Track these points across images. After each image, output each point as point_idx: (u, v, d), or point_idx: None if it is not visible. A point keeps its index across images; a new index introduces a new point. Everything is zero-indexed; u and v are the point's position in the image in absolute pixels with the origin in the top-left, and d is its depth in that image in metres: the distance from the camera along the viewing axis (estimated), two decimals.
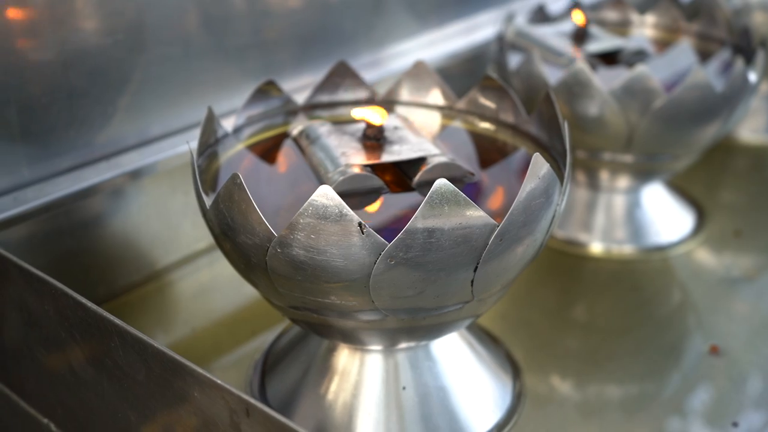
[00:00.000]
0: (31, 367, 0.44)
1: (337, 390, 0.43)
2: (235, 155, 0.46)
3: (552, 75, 0.58)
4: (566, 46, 0.66)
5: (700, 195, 0.69)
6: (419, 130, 0.46)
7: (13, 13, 0.47)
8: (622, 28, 0.77)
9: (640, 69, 0.55)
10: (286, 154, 0.46)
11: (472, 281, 0.35)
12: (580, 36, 0.68)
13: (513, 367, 0.48)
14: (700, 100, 0.55)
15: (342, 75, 0.51)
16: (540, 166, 0.35)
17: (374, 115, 0.44)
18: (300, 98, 0.51)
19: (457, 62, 0.75)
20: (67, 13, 0.49)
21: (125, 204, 0.53)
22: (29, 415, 0.45)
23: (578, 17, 0.69)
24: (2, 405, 0.47)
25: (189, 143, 0.43)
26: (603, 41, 0.67)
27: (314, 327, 0.41)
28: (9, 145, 0.48)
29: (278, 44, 0.63)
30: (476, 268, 0.35)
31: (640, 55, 0.65)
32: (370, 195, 0.41)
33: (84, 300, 0.37)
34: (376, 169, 0.42)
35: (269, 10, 0.62)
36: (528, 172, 0.35)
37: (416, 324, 0.39)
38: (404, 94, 0.52)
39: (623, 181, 0.62)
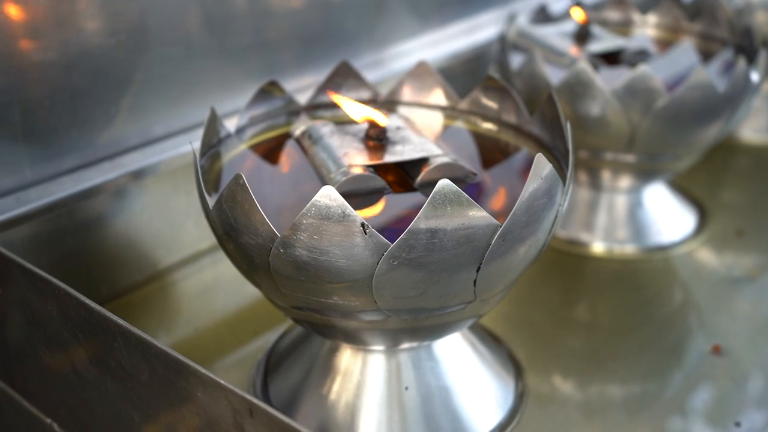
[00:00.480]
0: (34, 367, 0.44)
1: (339, 390, 0.43)
2: (237, 155, 0.46)
3: (554, 75, 0.58)
4: (568, 46, 0.66)
5: (702, 195, 0.69)
6: (421, 130, 0.46)
7: (16, 15, 0.47)
8: (623, 27, 0.77)
9: (642, 69, 0.55)
10: (289, 155, 0.46)
11: (474, 281, 0.36)
12: (582, 36, 0.68)
13: (515, 367, 0.48)
14: (702, 100, 0.55)
15: (344, 75, 0.51)
16: (542, 166, 0.35)
17: (355, 109, 0.44)
18: (302, 98, 0.51)
19: (459, 62, 0.75)
20: (69, 14, 0.49)
21: (128, 204, 0.53)
22: (32, 415, 0.45)
23: (578, 14, 0.69)
24: (5, 405, 0.47)
25: (192, 143, 0.43)
26: (605, 41, 0.67)
27: (317, 327, 0.41)
28: (12, 146, 0.48)
29: (280, 44, 0.63)
30: (479, 268, 0.35)
31: (642, 55, 0.65)
32: (373, 195, 0.41)
33: (87, 300, 0.37)
34: (379, 169, 0.42)
35: (271, 11, 0.62)
36: (530, 172, 0.35)
37: (419, 324, 0.39)
38: (406, 94, 0.52)
39: (625, 181, 0.62)
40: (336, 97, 0.47)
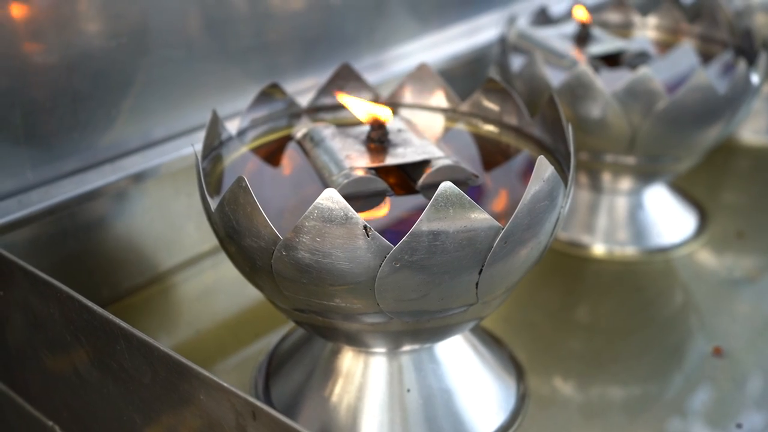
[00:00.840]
0: (36, 369, 0.44)
1: (341, 392, 0.43)
2: (239, 158, 0.46)
3: (555, 77, 0.59)
4: (568, 48, 0.66)
5: (702, 196, 0.69)
6: (423, 132, 0.46)
7: (17, 17, 0.47)
8: (624, 30, 0.77)
9: (643, 71, 0.55)
10: (291, 157, 0.46)
11: (476, 284, 0.36)
12: (582, 38, 0.68)
13: (516, 369, 0.48)
14: (703, 102, 0.55)
15: (345, 77, 0.51)
16: (544, 168, 0.35)
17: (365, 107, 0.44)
18: (303, 101, 0.51)
19: (460, 64, 0.75)
20: (70, 17, 0.49)
21: (129, 207, 0.53)
22: (34, 418, 0.45)
23: (580, 13, 0.69)
24: (7, 408, 0.47)
25: (193, 146, 0.43)
26: (605, 43, 0.67)
27: (318, 329, 0.41)
28: (13, 148, 0.48)
29: (281, 47, 0.63)
30: (481, 270, 0.35)
31: (642, 57, 0.65)
32: (375, 198, 0.41)
33: (89, 303, 0.37)
34: (381, 171, 0.42)
35: (272, 13, 0.62)
36: (532, 174, 0.35)
37: (421, 326, 0.39)
38: (407, 96, 0.52)
39: (626, 183, 0.63)
40: (342, 97, 0.46)
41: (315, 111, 0.51)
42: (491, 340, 0.50)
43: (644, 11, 0.77)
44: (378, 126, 0.44)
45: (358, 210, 0.34)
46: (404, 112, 0.51)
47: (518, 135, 0.48)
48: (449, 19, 0.79)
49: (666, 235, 0.63)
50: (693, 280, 0.60)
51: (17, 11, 0.47)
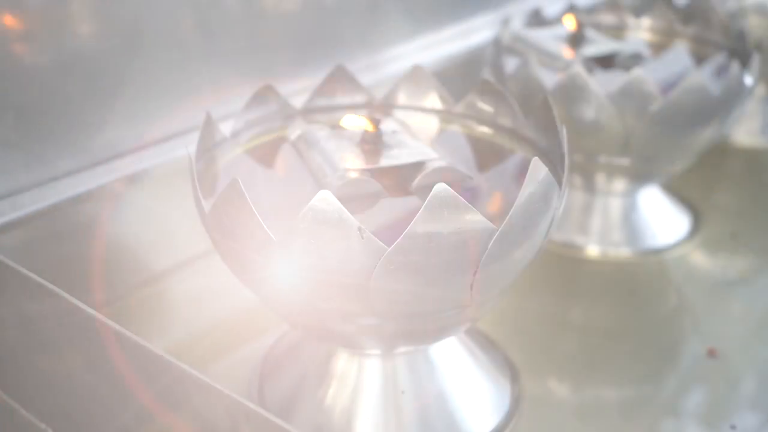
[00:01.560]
0: (29, 372, 0.44)
1: (335, 394, 0.43)
2: (233, 160, 0.46)
3: (548, 79, 0.59)
4: (562, 50, 0.66)
5: (695, 197, 0.69)
6: (417, 134, 0.46)
7: (10, 19, 0.47)
8: (617, 31, 0.77)
9: (637, 72, 0.55)
10: (285, 159, 0.46)
11: (471, 285, 0.36)
12: (576, 40, 0.68)
13: (511, 371, 0.48)
14: (696, 103, 0.55)
15: (339, 79, 0.51)
16: (539, 170, 0.35)
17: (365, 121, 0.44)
18: (297, 102, 0.51)
19: (454, 65, 0.75)
20: (63, 18, 0.49)
21: (123, 208, 0.53)
22: (28, 421, 0.45)
23: (570, 23, 0.70)
24: (0, 411, 0.47)
25: (188, 148, 0.43)
26: (599, 45, 0.67)
27: (313, 331, 0.41)
28: (6, 150, 0.48)
29: (275, 48, 0.63)
30: (475, 272, 0.35)
31: (636, 59, 0.65)
32: (369, 199, 0.41)
33: (82, 305, 0.37)
34: (375, 173, 0.42)
35: (265, 14, 0.62)
36: (527, 176, 0.35)
37: (415, 328, 0.39)
38: (402, 97, 0.52)
39: (620, 184, 0.63)
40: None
41: (309, 112, 0.51)
42: (485, 342, 0.50)
43: (638, 13, 0.77)
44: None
45: (353, 212, 0.34)
46: (398, 114, 0.51)
47: (512, 136, 0.48)
48: (443, 20, 0.79)
49: (660, 236, 0.64)
50: (687, 281, 0.60)
51: (9, 13, 0.47)
